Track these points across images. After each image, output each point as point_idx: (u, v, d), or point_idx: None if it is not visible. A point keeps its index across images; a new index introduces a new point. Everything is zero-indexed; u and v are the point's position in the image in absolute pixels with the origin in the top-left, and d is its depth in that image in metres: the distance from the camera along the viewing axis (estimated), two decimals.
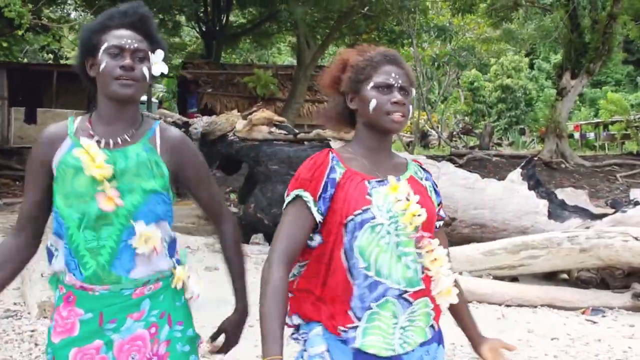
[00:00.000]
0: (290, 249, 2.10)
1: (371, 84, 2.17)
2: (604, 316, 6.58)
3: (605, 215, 8.34)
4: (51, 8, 24.71)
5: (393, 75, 2.17)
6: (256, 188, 9.88)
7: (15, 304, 6.38)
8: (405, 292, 2.09)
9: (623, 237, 6.82)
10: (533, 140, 35.98)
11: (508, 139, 38.23)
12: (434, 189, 2.31)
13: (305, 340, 2.16)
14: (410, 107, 2.21)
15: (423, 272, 2.14)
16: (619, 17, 21.88)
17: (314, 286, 2.14)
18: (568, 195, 9.83)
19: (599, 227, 7.57)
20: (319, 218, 2.11)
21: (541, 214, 8.62)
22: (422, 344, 2.15)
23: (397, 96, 2.15)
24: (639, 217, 7.65)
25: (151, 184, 2.25)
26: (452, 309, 2.30)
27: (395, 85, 2.16)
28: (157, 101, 33.32)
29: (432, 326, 2.17)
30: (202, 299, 6.57)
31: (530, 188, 8.92)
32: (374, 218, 2.07)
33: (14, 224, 2.38)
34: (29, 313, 6.04)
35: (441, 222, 2.33)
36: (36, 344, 5.22)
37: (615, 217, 7.85)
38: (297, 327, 2.20)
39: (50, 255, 2.32)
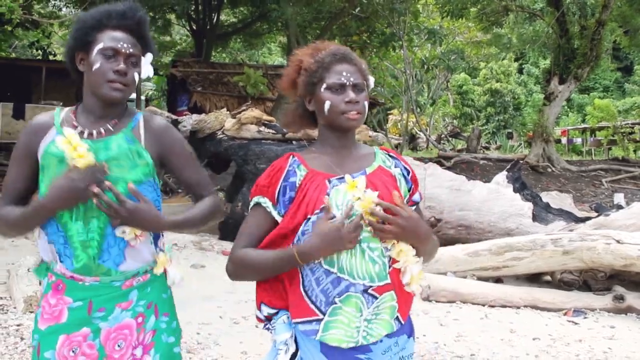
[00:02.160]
0: (248, 244, 2.21)
1: (324, 86, 2.21)
2: (585, 317, 6.65)
3: (588, 218, 8.41)
4: (41, 4, 24.63)
5: (344, 74, 2.21)
6: (244, 186, 9.90)
7: (1, 298, 6.39)
8: (370, 287, 2.11)
9: (605, 240, 6.90)
10: (521, 144, 36.11)
11: (496, 143, 38.34)
12: (404, 175, 2.31)
13: (274, 329, 2.22)
14: (366, 102, 2.24)
15: (391, 266, 2.16)
16: (608, 23, 22.03)
17: (282, 276, 2.19)
18: (553, 198, 9.92)
19: (583, 230, 7.65)
20: (279, 218, 2.19)
21: (526, 216, 8.69)
22: (389, 336, 2.17)
23: (350, 95, 2.19)
24: (622, 220, 7.73)
25: (133, 174, 2.29)
26: None
27: (348, 83, 2.20)
28: (144, 99, 33.22)
29: (397, 318, 2.17)
30: (188, 296, 6.62)
31: (515, 191, 8.98)
32: (333, 217, 2.10)
33: None
34: (15, 307, 6.04)
35: (414, 207, 2.30)
36: (22, 338, 5.22)
37: (599, 221, 7.93)
38: (269, 318, 2.24)
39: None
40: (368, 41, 24.67)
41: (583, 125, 36.62)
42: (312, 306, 2.11)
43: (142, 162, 2.31)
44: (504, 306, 6.95)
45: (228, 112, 11.18)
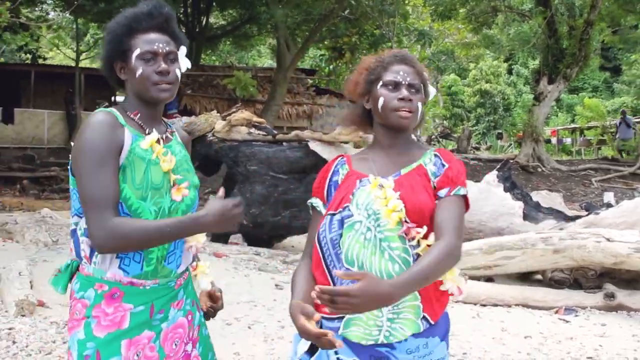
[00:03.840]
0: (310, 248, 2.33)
1: (380, 83, 2.29)
2: (576, 315, 6.68)
3: (579, 217, 8.44)
4: (29, 8, 24.56)
5: (401, 73, 2.28)
6: (235, 188, 9.90)
7: None
8: None
9: (596, 238, 6.92)
10: (511, 144, 36.24)
11: (486, 143, 38.47)
12: (434, 173, 2.25)
13: None
14: (420, 104, 2.29)
15: None
16: (596, 23, 22.15)
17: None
18: (543, 197, 9.94)
19: (573, 228, 7.67)
20: None
21: (516, 215, 8.71)
22: (416, 335, 2.15)
23: (403, 92, 2.24)
24: (612, 219, 7.76)
25: (195, 178, 2.38)
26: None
27: (403, 82, 2.27)
28: None
29: (424, 318, 2.15)
30: None
31: (506, 190, 8.99)
32: (352, 216, 2.16)
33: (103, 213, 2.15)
34: (6, 311, 6.01)
35: (446, 190, 2.22)
36: (14, 342, 5.20)
37: (589, 219, 7.96)
38: None
39: (92, 252, 2.24)
40: (358, 42, 24.77)
41: (572, 125, 36.74)
42: None
43: (193, 167, 2.43)
44: (495, 305, 6.97)
45: (218, 114, 11.15)
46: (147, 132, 2.29)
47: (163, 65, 2.27)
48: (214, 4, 27.02)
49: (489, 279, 7.69)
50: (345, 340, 2.14)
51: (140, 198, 2.20)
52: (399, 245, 2.14)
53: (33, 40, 25.23)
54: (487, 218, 8.78)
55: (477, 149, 34.22)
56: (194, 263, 2.51)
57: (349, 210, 2.18)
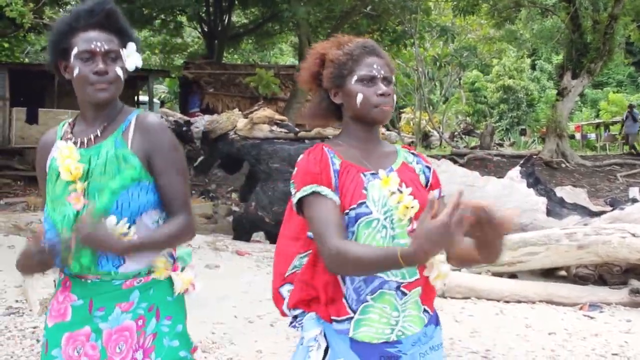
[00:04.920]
0: (343, 235, 2.05)
1: (355, 78, 2.18)
2: (601, 312, 6.61)
3: (603, 212, 8.37)
4: (53, 9, 24.76)
5: (375, 66, 2.19)
6: (257, 186, 9.92)
7: (17, 301, 6.42)
8: (402, 283, 2.10)
9: (621, 233, 6.85)
10: (534, 140, 35.98)
11: (509, 140, 38.22)
12: (424, 173, 2.31)
13: (302, 326, 2.19)
14: (395, 96, 2.24)
15: None
16: (620, 17, 21.92)
17: (310, 277, 2.16)
18: (567, 193, 9.87)
19: (597, 224, 7.60)
20: (339, 203, 2.10)
21: (540, 211, 8.65)
22: None
23: (382, 87, 2.17)
24: (637, 214, 7.68)
25: (118, 181, 2.23)
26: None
27: (379, 76, 2.18)
28: (158, 102, 33.37)
29: (425, 310, 2.18)
30: (203, 296, 6.59)
31: (529, 186, 8.94)
32: (370, 213, 2.08)
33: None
34: (30, 310, 6.08)
35: (438, 191, 2.32)
36: (38, 340, 5.24)
37: (613, 214, 7.88)
38: (295, 317, 2.22)
39: None
40: (379, 39, 24.67)
41: (597, 120, 36.40)
42: (345, 304, 2.10)
43: (127, 166, 2.25)
44: (519, 301, 6.92)
45: (240, 112, 11.18)
46: (71, 140, 2.32)
47: (100, 66, 2.23)
48: (236, 2, 27.06)
49: (513, 276, 7.64)
50: (354, 343, 2.10)
51: (53, 209, 2.28)
52: (408, 242, 2.06)
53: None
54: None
55: (501, 145, 33.99)
56: (172, 264, 2.39)
57: (367, 207, 2.09)
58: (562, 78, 22.21)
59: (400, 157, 2.28)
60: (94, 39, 2.24)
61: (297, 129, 10.76)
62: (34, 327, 5.56)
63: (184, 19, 28.90)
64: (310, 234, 2.15)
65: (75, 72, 2.24)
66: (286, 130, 10.42)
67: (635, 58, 40.75)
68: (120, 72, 2.28)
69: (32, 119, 21.16)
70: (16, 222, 10.60)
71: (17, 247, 8.63)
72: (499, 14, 24.28)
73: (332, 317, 2.11)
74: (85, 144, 2.29)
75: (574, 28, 22.24)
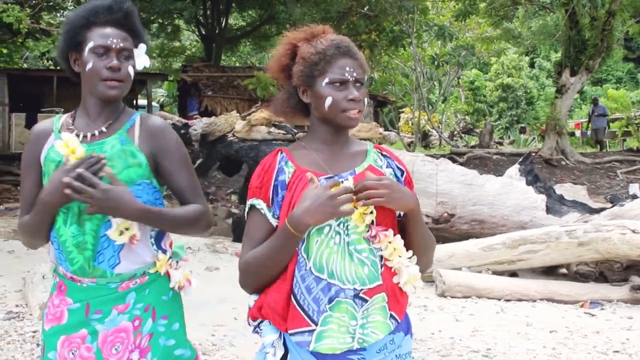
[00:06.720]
0: (255, 247, 2.11)
1: (326, 80, 2.10)
2: (602, 309, 6.61)
3: (603, 209, 8.35)
4: (51, 15, 24.77)
5: (348, 69, 2.11)
6: None
7: (17, 305, 6.42)
8: (361, 290, 2.04)
9: (621, 230, 6.84)
10: (534, 138, 35.94)
11: (509, 138, 38.18)
12: (397, 176, 2.21)
13: (262, 331, 2.15)
14: (366, 98, 2.17)
15: (382, 266, 2.10)
16: (618, 14, 21.89)
17: (271, 287, 2.12)
18: (567, 190, 9.85)
19: (597, 221, 7.59)
20: (274, 223, 2.10)
21: (539, 208, 8.64)
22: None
23: (353, 92, 2.09)
24: (637, 210, 7.66)
25: (125, 174, 2.25)
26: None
27: (351, 79, 2.10)
28: (157, 105, 33.37)
29: (392, 317, 2.09)
30: (203, 298, 6.61)
31: (528, 183, 8.93)
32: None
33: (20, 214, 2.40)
34: (30, 314, 6.08)
35: None
36: (38, 345, 5.24)
37: (613, 211, 7.87)
38: (258, 325, 2.18)
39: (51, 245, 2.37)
40: (377, 40, 24.67)
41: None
42: (304, 316, 2.03)
43: (135, 162, 2.29)
44: (519, 300, 6.91)
45: (238, 114, 11.18)
46: (74, 132, 2.31)
47: (114, 62, 2.25)
48: (233, 5, 27.05)
49: (513, 274, 7.64)
50: (316, 355, 2.05)
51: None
52: (365, 247, 2.06)
53: (55, 46, 25.44)
54: (510, 212, 8.72)
55: (500, 143, 33.95)
56: (168, 261, 2.40)
57: None
58: (561, 75, 22.16)
59: (368, 159, 2.19)
60: (111, 36, 2.28)
61: (295, 130, 10.74)
62: (34, 332, 5.57)
63: (181, 22, 28.89)
64: None
65: (89, 66, 2.26)
66: (284, 132, 10.41)
67: (635, 54, 40.78)
68: (131, 70, 2.32)
69: (31, 124, 21.16)
70: (16, 227, 10.59)
71: (17, 252, 8.63)
72: (496, 12, 24.26)
73: (290, 331, 2.05)
74: (89, 138, 2.30)
75: (572, 25, 22.19)
